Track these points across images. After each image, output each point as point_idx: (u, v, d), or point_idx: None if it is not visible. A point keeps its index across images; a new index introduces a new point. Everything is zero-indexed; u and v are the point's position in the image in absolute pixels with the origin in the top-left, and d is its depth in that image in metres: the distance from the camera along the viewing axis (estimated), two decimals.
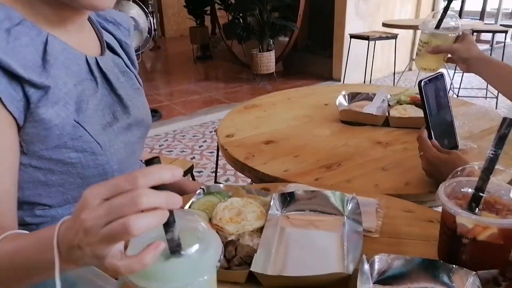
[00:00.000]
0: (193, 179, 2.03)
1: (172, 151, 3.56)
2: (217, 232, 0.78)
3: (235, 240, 0.76)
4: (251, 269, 0.67)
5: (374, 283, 0.67)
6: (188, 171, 1.85)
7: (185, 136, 3.88)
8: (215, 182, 2.34)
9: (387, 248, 0.78)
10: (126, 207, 0.46)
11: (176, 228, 0.50)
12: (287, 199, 0.89)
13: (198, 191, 0.92)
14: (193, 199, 0.90)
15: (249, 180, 1.47)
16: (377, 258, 0.68)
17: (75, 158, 0.76)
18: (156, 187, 0.48)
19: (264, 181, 1.14)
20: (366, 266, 0.67)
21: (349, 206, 0.85)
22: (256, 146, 1.30)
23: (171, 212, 0.48)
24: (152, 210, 0.46)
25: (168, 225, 0.49)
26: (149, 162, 0.49)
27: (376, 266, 0.68)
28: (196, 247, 0.51)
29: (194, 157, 3.38)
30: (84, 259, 0.49)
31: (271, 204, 0.87)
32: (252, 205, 0.87)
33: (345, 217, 0.86)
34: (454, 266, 0.65)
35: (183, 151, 3.54)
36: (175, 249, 0.50)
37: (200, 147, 3.60)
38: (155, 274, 0.50)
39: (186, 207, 0.87)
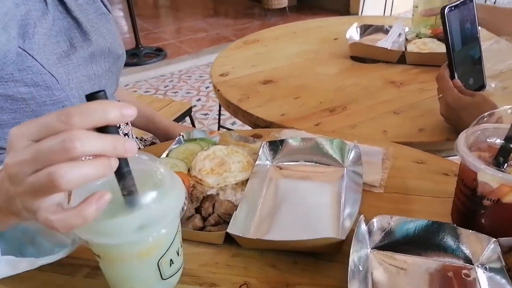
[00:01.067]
0: (192, 123, 1.92)
1: (177, 92, 3.42)
2: (195, 185, 0.68)
3: (214, 195, 0.66)
4: (228, 230, 0.57)
5: (372, 248, 0.57)
6: (186, 114, 1.74)
7: (191, 76, 3.72)
8: (219, 126, 2.23)
9: (392, 205, 0.67)
10: (55, 154, 0.35)
11: (130, 177, 0.41)
12: (279, 147, 0.77)
13: (178, 137, 0.81)
14: (172, 146, 0.79)
15: None
16: (377, 219, 0.57)
17: (26, 93, 0.64)
18: (102, 130, 0.37)
19: (259, 126, 1.02)
20: (364, 228, 0.56)
21: (350, 156, 0.73)
22: (252, 87, 1.17)
23: (123, 160, 0.39)
24: (94, 159, 0.37)
25: (120, 175, 0.40)
26: (90, 97, 0.38)
27: (376, 228, 0.57)
28: (152, 195, 0.43)
29: (199, 99, 3.25)
30: (21, 212, 0.40)
31: (260, 152, 0.75)
32: (238, 154, 0.76)
33: (345, 168, 0.74)
34: (471, 231, 0.54)
35: (188, 92, 3.40)
36: (128, 198, 0.42)
37: (206, 88, 3.45)
38: (104, 229, 0.41)
39: (163, 155, 0.77)
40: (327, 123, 0.97)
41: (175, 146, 0.79)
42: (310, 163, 0.76)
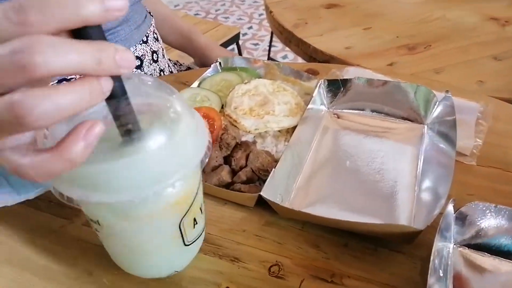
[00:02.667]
0: (240, 51, 1.73)
1: (228, 17, 3.19)
2: (228, 126, 0.53)
3: (249, 143, 0.51)
4: (262, 193, 0.43)
5: (459, 244, 0.41)
6: (233, 40, 1.56)
7: (244, 1, 3.45)
8: (268, 58, 2.03)
9: (486, 184, 0.49)
10: (8, 75, 0.22)
11: (128, 108, 0.27)
12: (341, 89, 0.59)
13: (214, 64, 0.65)
14: (205, 74, 0.64)
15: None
16: (471, 206, 0.40)
17: None
18: (78, 34, 0.24)
19: (315, 60, 0.83)
20: (452, 217, 0.40)
21: (436, 110, 0.55)
22: (312, 10, 0.95)
23: (116, 82, 0.26)
24: (73, 82, 0.23)
25: (114, 106, 0.26)
26: None
27: (468, 218, 0.41)
28: (162, 138, 0.29)
29: (251, 27, 3.01)
30: None
31: (315, 93, 0.58)
32: (286, 93, 0.60)
33: (426, 126, 0.56)
34: None
35: (240, 18, 3.16)
36: (128, 139, 0.28)
37: (260, 15, 3.18)
38: (94, 180, 0.28)
39: (194, 85, 0.62)
40: (403, 63, 0.76)
41: (209, 75, 0.64)
42: (378, 114, 0.59)
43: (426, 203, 0.43)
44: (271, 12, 0.96)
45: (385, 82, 0.57)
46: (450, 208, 0.39)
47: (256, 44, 2.75)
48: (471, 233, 0.41)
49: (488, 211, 0.40)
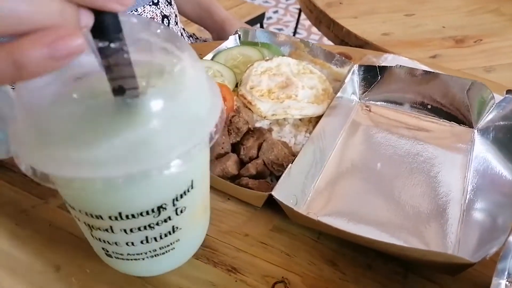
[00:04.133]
0: None
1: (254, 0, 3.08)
2: (240, 108, 0.45)
3: (264, 130, 0.43)
4: (273, 193, 0.35)
5: None
6: (258, 20, 1.46)
7: None
8: None
9: None
10: None
11: (124, 59, 0.21)
12: (378, 78, 0.50)
13: (232, 36, 0.56)
14: (221, 47, 0.56)
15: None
16: None
17: None
18: None
19: (348, 45, 0.74)
20: (509, 251, 0.31)
21: (492, 113, 0.45)
22: None
23: (109, 19, 0.20)
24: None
25: (104, 52, 0.20)
26: None
27: None
28: (161, 100, 0.23)
29: (277, 11, 2.89)
30: None
31: (347, 80, 0.49)
32: (313, 76, 0.51)
33: (476, 130, 0.46)
34: None
35: (266, 1, 3.04)
36: (122, 100, 0.22)
37: (287, 0, 3.06)
38: (81, 154, 0.22)
39: (207, 57, 0.54)
40: (449, 57, 0.66)
41: (226, 48, 0.56)
42: (419, 111, 0.50)
43: (477, 229, 0.34)
44: None
45: (432, 74, 0.48)
46: (510, 243, 0.30)
47: (280, 29, 2.64)
48: None
49: None
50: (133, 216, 0.26)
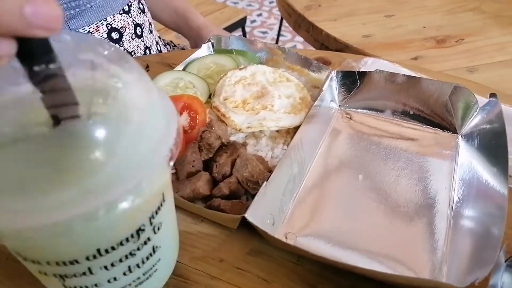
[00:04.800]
0: (244, 36, 1.62)
1: (237, 3, 3.05)
2: (213, 122, 0.42)
3: (238, 145, 0.40)
4: (247, 215, 0.33)
5: None
6: (239, 24, 1.44)
7: None
8: None
9: None
10: None
11: (62, 83, 0.19)
12: (358, 83, 0.48)
13: (205, 44, 0.54)
14: (194, 56, 0.53)
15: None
16: None
17: None
18: None
19: (328, 49, 0.72)
20: (501, 268, 0.29)
21: (476, 118, 0.43)
22: None
23: (40, 44, 0.18)
24: None
25: (38, 74, 0.18)
26: None
27: None
28: (106, 129, 0.20)
29: (261, 14, 2.88)
30: None
31: (325, 87, 0.47)
32: (290, 84, 0.49)
33: (460, 136, 0.45)
34: None
35: (250, 4, 3.02)
36: (61, 130, 0.19)
37: (270, 2, 3.04)
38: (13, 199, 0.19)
39: (179, 68, 0.51)
40: (431, 58, 0.65)
41: (198, 57, 0.53)
42: (402, 117, 0.48)
43: (466, 247, 0.32)
44: None
45: (413, 78, 0.46)
46: (501, 258, 0.28)
47: (264, 33, 2.62)
48: None
49: None
50: (113, 248, 0.23)
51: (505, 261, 0.30)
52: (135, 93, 0.22)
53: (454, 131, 0.45)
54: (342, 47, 0.68)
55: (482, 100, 0.44)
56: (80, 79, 0.21)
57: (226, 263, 0.35)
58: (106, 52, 0.23)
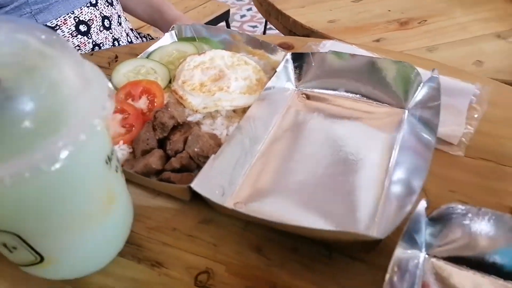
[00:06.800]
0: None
1: None
2: (170, 103, 0.45)
3: (191, 124, 0.43)
4: (192, 184, 0.35)
5: (431, 254, 0.33)
6: (222, 18, 1.46)
7: None
8: None
9: (476, 180, 0.41)
10: None
11: None
12: (312, 65, 0.51)
13: (167, 33, 0.56)
14: (157, 44, 0.55)
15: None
16: (446, 209, 0.32)
17: None
18: None
19: (296, 35, 0.74)
20: (423, 221, 0.32)
21: (421, 93, 0.46)
22: None
23: None
24: None
25: None
26: None
27: (443, 225, 0.32)
28: (32, 98, 0.22)
29: (250, 8, 2.89)
30: None
31: (280, 69, 0.50)
32: (247, 66, 0.51)
33: (407, 111, 0.47)
34: None
35: None
36: None
37: None
38: None
39: (142, 56, 0.54)
40: (393, 39, 0.67)
41: (161, 45, 0.55)
42: (354, 95, 0.50)
43: (394, 203, 0.35)
44: None
45: (363, 58, 0.48)
46: (421, 210, 0.31)
47: (254, 27, 2.64)
48: (446, 241, 0.32)
49: (469, 214, 0.32)
50: None
51: (427, 216, 0.32)
52: (65, 72, 0.25)
53: (402, 106, 0.48)
54: (309, 33, 0.70)
55: (441, 78, 0.46)
56: (12, 56, 0.23)
57: (178, 232, 0.37)
58: (43, 36, 0.25)
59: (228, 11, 1.47)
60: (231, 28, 2.67)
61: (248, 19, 2.77)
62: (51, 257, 0.29)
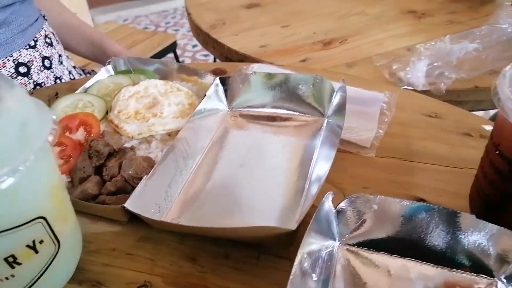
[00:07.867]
0: (177, 59, 1.69)
1: (178, 30, 3.14)
2: (107, 133, 0.48)
3: (126, 149, 0.46)
4: (126, 204, 0.38)
5: (343, 242, 0.37)
6: (170, 49, 1.51)
7: None
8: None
9: (386, 176, 0.46)
10: None
11: None
12: (240, 86, 0.55)
13: (103, 68, 0.60)
14: (94, 78, 0.58)
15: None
16: (351, 199, 0.37)
17: None
18: None
19: (232, 61, 0.80)
20: (329, 211, 0.36)
21: (335, 101, 0.51)
22: (232, 11, 0.92)
23: None
24: None
25: None
26: None
27: (350, 212, 0.37)
28: None
29: None
30: None
31: (210, 92, 0.54)
32: (179, 93, 0.55)
33: (326, 119, 0.52)
34: (498, 227, 0.33)
35: (190, 30, 3.12)
36: None
37: None
38: None
39: (81, 91, 0.56)
40: (318, 58, 0.74)
41: (99, 79, 0.59)
42: (279, 110, 0.55)
43: (308, 200, 0.39)
44: (189, 14, 0.92)
45: (281, 75, 0.54)
46: (327, 201, 0.35)
47: (206, 55, 2.71)
48: (353, 228, 0.37)
49: (372, 203, 0.36)
50: None
51: (335, 208, 0.37)
52: (10, 106, 0.27)
53: (321, 115, 0.53)
54: (242, 58, 0.76)
55: (354, 89, 0.52)
56: None
57: (117, 251, 0.40)
58: None
59: (175, 42, 1.52)
60: (184, 58, 2.73)
61: (199, 48, 2.84)
62: None
